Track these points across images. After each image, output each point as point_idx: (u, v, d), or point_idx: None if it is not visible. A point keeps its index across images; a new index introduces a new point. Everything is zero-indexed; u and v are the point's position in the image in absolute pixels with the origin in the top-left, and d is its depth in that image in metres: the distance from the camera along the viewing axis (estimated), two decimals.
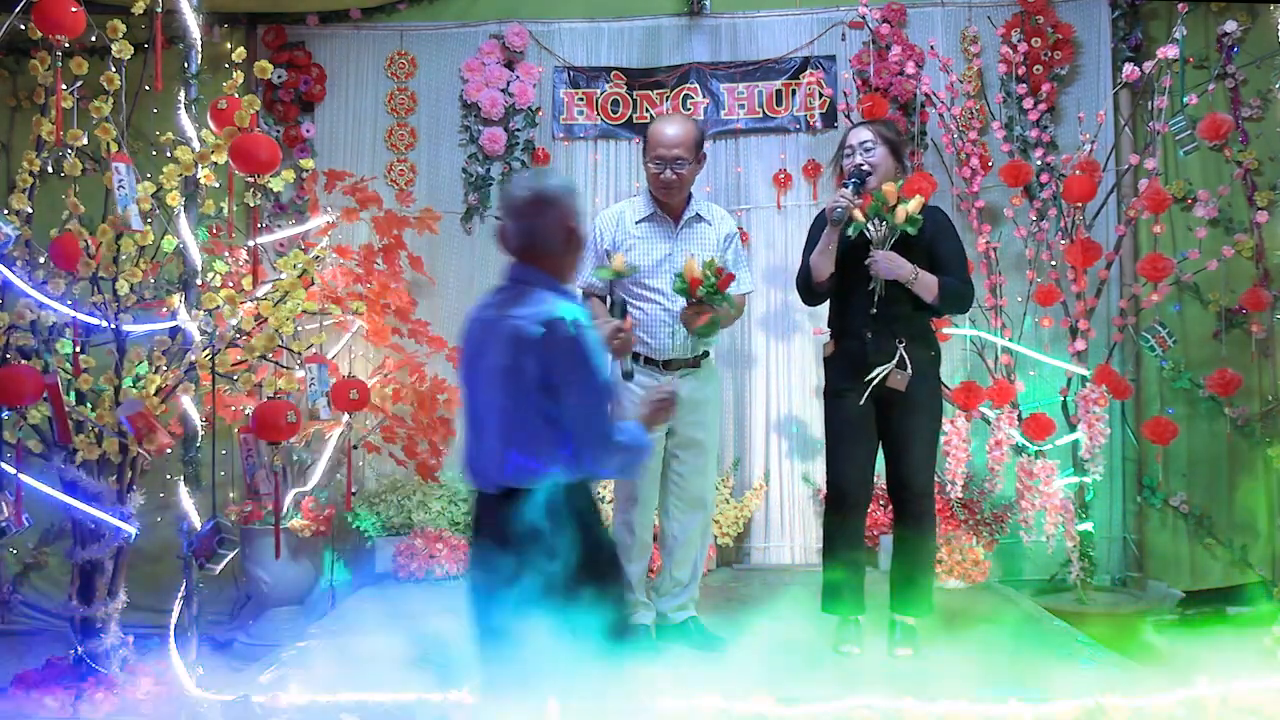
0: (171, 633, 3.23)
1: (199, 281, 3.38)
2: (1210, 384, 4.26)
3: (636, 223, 3.38)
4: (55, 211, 3.26)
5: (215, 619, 4.41)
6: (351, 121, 5.05)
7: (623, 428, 2.01)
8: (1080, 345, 4.33)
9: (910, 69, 4.61)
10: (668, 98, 4.97)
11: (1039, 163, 4.51)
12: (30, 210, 3.27)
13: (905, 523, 3.34)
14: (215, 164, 3.26)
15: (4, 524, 3.01)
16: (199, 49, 3.44)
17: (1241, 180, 4.42)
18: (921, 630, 3.34)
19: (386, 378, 4.56)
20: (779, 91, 4.97)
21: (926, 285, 3.20)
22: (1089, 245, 4.26)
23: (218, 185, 3.38)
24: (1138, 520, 4.65)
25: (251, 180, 3.11)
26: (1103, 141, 4.51)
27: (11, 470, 3.06)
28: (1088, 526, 4.32)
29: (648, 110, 4.96)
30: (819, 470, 4.80)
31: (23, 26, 3.00)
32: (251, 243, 3.36)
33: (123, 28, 3.09)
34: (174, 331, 3.34)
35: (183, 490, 3.32)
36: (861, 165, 3.22)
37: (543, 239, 2.07)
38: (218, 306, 3.31)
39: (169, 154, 3.28)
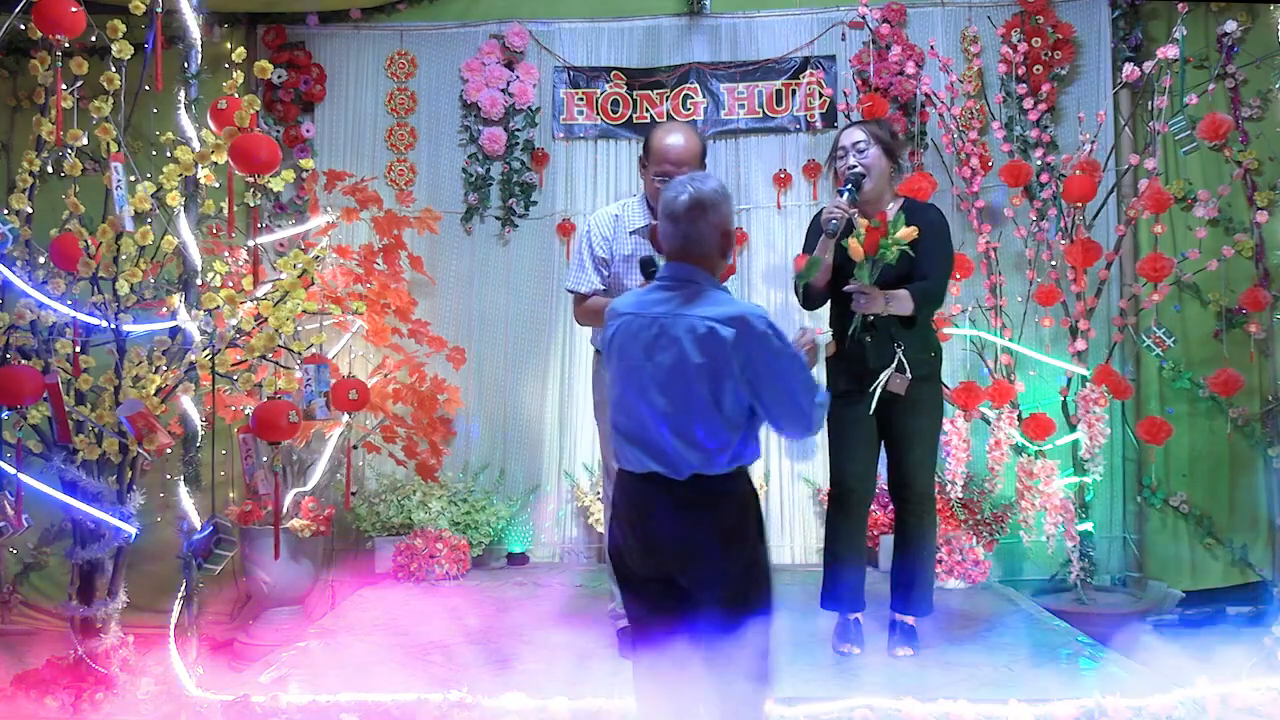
0: (171, 633, 3.23)
1: (199, 281, 3.38)
2: (1211, 384, 4.27)
3: (630, 232, 3.35)
4: (55, 211, 3.26)
5: (215, 619, 4.41)
6: (351, 121, 5.06)
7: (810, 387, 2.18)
8: (1080, 345, 4.33)
9: (910, 69, 4.62)
10: (668, 98, 4.98)
11: (1039, 163, 4.51)
12: (30, 210, 3.27)
13: (906, 522, 3.33)
14: (215, 164, 3.25)
15: (1, 526, 3.01)
16: (199, 49, 3.44)
17: (1241, 180, 4.42)
18: (921, 630, 3.34)
19: (386, 378, 4.56)
20: (779, 91, 4.97)
21: (900, 305, 3.15)
22: (1089, 245, 4.26)
23: (218, 185, 3.38)
24: (1138, 520, 4.65)
25: (251, 180, 3.11)
26: (1103, 141, 4.51)
27: (11, 470, 3.06)
28: (1088, 526, 4.32)
29: (647, 110, 4.96)
30: (819, 470, 4.81)
31: (23, 26, 3.00)
32: (251, 243, 3.36)
33: (123, 28, 3.09)
34: (174, 331, 3.34)
35: (183, 490, 3.31)
36: (855, 168, 3.20)
37: (702, 241, 2.17)
38: (218, 306, 3.30)
39: (169, 154, 3.28)
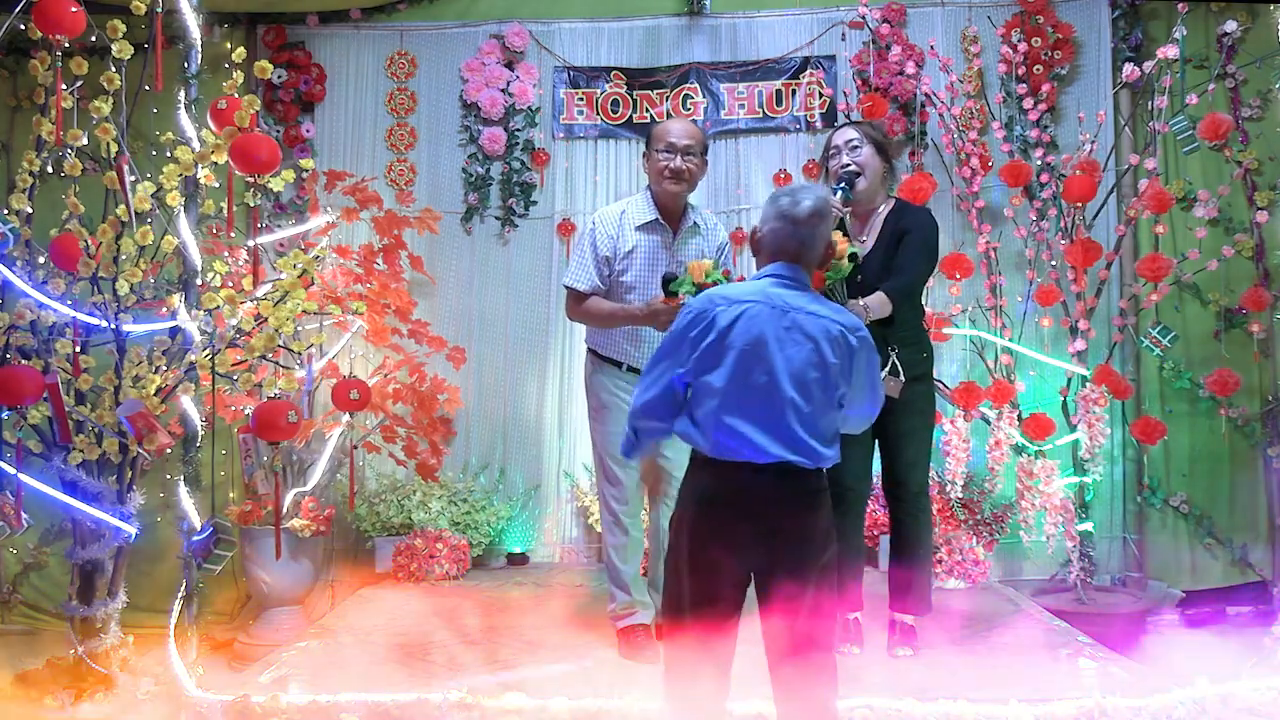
0: (171, 633, 3.23)
1: (199, 281, 3.38)
2: (1210, 384, 4.27)
3: (636, 228, 3.35)
4: (55, 211, 3.26)
5: (215, 619, 4.41)
6: (351, 121, 5.06)
7: None
8: (1080, 345, 4.33)
9: (910, 69, 4.62)
10: (668, 98, 4.98)
11: (1039, 163, 4.51)
12: (30, 210, 3.27)
13: (902, 522, 3.33)
14: (215, 164, 3.26)
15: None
16: (199, 49, 3.44)
17: (1241, 180, 4.42)
18: (921, 630, 3.34)
19: (386, 378, 4.56)
20: (779, 91, 4.97)
21: (880, 309, 3.10)
22: (1089, 245, 4.26)
23: (218, 185, 3.38)
24: (1138, 520, 4.65)
25: (251, 180, 3.11)
26: (1103, 141, 4.51)
27: (11, 470, 3.06)
28: (1088, 526, 4.32)
29: (648, 110, 4.96)
30: None
31: (23, 26, 3.00)
32: (251, 243, 3.36)
33: (123, 28, 3.09)
34: (174, 331, 3.34)
35: (183, 490, 3.32)
36: (849, 166, 3.20)
37: (816, 248, 2.33)
38: (218, 306, 3.31)
39: (169, 154, 3.28)
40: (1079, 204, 4.29)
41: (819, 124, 4.93)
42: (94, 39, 3.08)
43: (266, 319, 3.34)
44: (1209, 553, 4.57)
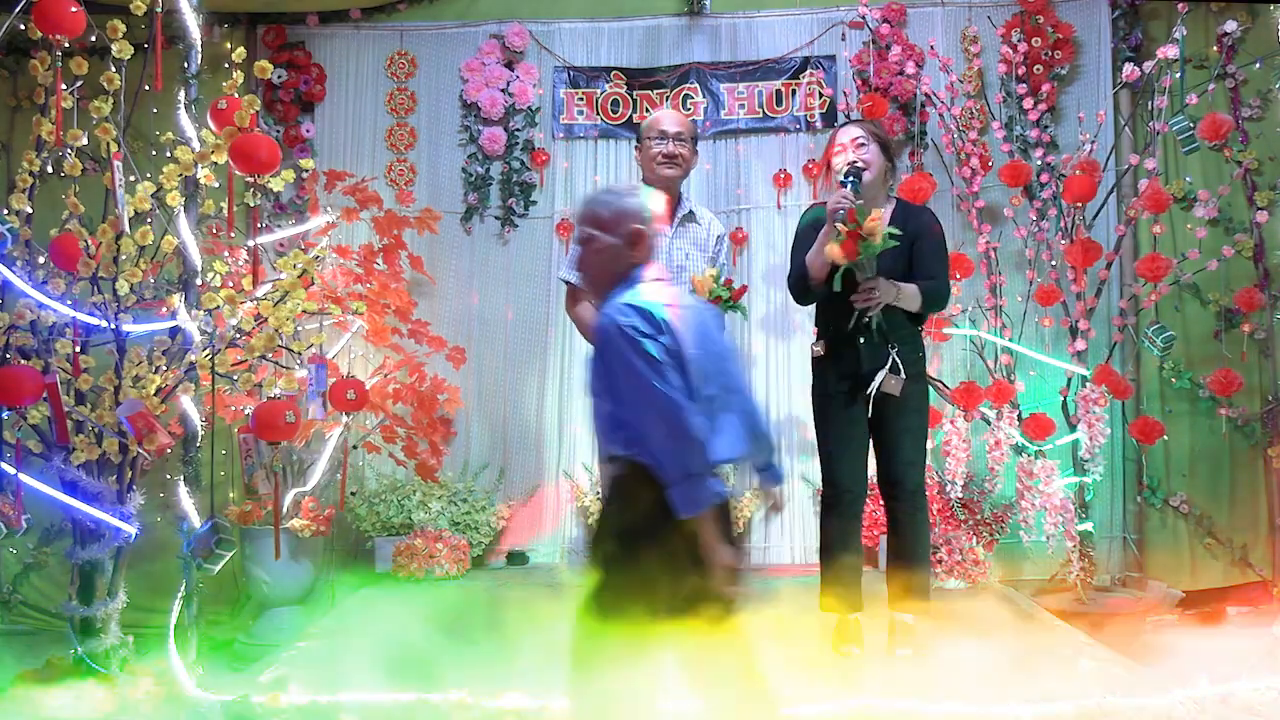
0: (171, 633, 3.23)
1: (199, 281, 3.38)
2: (1211, 384, 4.27)
3: None
4: (55, 211, 3.25)
5: (215, 619, 4.41)
6: (351, 121, 5.06)
7: None
8: (1080, 345, 4.33)
9: (910, 69, 4.62)
10: (668, 98, 4.98)
11: (1039, 163, 4.51)
12: (30, 210, 3.26)
13: (900, 521, 3.33)
14: (215, 164, 3.25)
15: None
16: (199, 49, 3.44)
17: (1241, 180, 4.42)
18: (921, 630, 3.34)
19: (386, 378, 4.56)
20: (779, 91, 4.97)
21: (909, 298, 3.15)
22: (1089, 245, 4.26)
23: (218, 185, 3.37)
24: (1138, 520, 4.65)
25: (251, 180, 3.11)
26: (1103, 141, 4.51)
27: (11, 470, 3.06)
28: (1088, 526, 4.32)
29: (647, 110, 4.96)
30: (818, 470, 4.80)
31: (23, 26, 3.00)
32: (251, 243, 3.36)
33: (123, 28, 3.09)
34: (174, 331, 3.34)
35: (183, 490, 3.31)
36: (855, 162, 3.20)
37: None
38: (218, 306, 3.30)
39: (169, 154, 3.28)
40: (1079, 204, 4.29)
41: (819, 124, 4.93)
42: (94, 39, 3.08)
43: (266, 319, 3.34)
44: (1209, 553, 4.57)
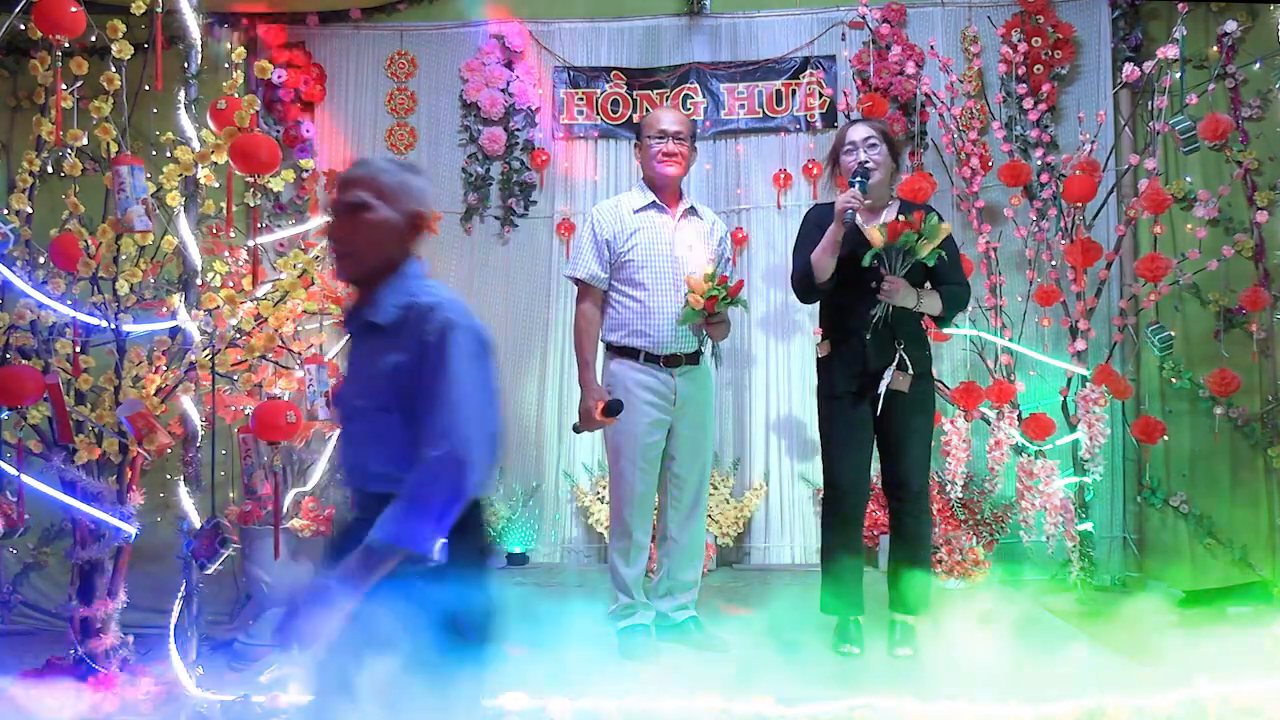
0: (171, 633, 3.23)
1: (199, 281, 3.38)
2: (1210, 384, 4.27)
3: (634, 212, 3.37)
4: (55, 211, 3.26)
5: (215, 619, 4.41)
6: (351, 121, 5.06)
7: None
8: (1080, 345, 4.33)
9: (910, 69, 4.62)
10: (668, 98, 4.98)
11: (1039, 163, 4.51)
12: (30, 210, 3.26)
13: (903, 522, 3.33)
14: (215, 164, 3.25)
15: None
16: (199, 49, 3.44)
17: (1241, 180, 4.42)
18: (921, 630, 3.34)
19: None
20: (779, 91, 4.97)
21: (932, 304, 3.19)
22: (1089, 245, 4.26)
23: (218, 185, 3.38)
24: (1138, 520, 4.65)
25: (251, 180, 3.11)
26: (1103, 141, 4.51)
27: (12, 470, 3.06)
28: (1088, 526, 4.32)
29: (647, 110, 4.96)
30: (818, 470, 4.80)
31: (23, 26, 3.00)
32: (251, 243, 3.36)
33: (123, 28, 3.09)
34: (174, 331, 3.34)
35: (183, 490, 3.31)
36: (866, 162, 3.20)
37: None
38: (218, 306, 3.31)
39: (169, 154, 3.28)
40: (1079, 204, 4.29)
41: (819, 124, 4.93)
42: (94, 39, 3.08)
43: (266, 319, 3.34)
44: (1209, 553, 4.57)
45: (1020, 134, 4.68)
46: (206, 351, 3.29)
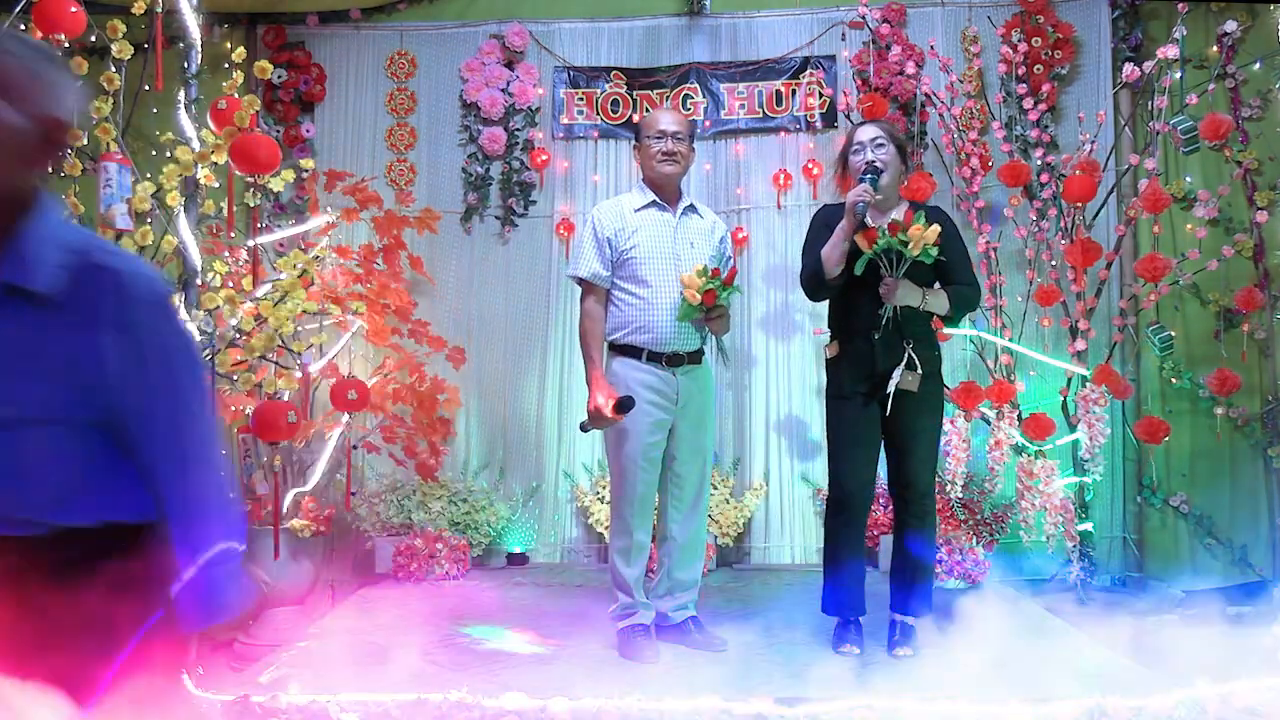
0: None
1: (199, 281, 3.38)
2: (1209, 384, 4.27)
3: (635, 211, 3.37)
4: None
5: None
6: (351, 121, 5.06)
7: None
8: (1080, 345, 4.33)
9: (910, 69, 4.62)
10: (668, 98, 4.98)
11: (1039, 162, 4.51)
12: None
13: (907, 522, 3.32)
14: (215, 164, 3.26)
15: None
16: (199, 49, 3.44)
17: (1241, 180, 4.42)
18: (921, 630, 3.34)
19: (386, 378, 4.56)
20: (779, 91, 4.97)
21: (939, 304, 3.18)
22: (1089, 245, 4.26)
23: (218, 185, 3.38)
24: (1138, 520, 4.65)
25: (251, 180, 3.11)
26: (1103, 141, 4.51)
27: None
28: (1088, 526, 4.32)
29: (647, 110, 4.96)
30: (818, 470, 4.81)
31: (23, 26, 3.00)
32: (251, 243, 3.36)
33: (123, 28, 3.09)
34: None
35: None
36: (874, 162, 3.21)
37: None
38: (218, 306, 3.31)
39: (169, 154, 3.28)
40: (1079, 204, 4.29)
41: (819, 124, 4.94)
42: (94, 39, 3.08)
43: (266, 319, 3.34)
44: (1209, 553, 4.57)
45: (1020, 134, 4.68)
46: (206, 351, 3.29)
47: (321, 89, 4.99)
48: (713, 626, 3.48)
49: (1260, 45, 4.52)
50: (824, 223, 3.28)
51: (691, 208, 3.45)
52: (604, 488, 4.78)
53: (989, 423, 4.35)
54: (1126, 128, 4.62)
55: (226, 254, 3.90)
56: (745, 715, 2.68)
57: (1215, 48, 4.47)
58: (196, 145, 3.28)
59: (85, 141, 3.16)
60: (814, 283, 3.26)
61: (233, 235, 3.74)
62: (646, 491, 3.34)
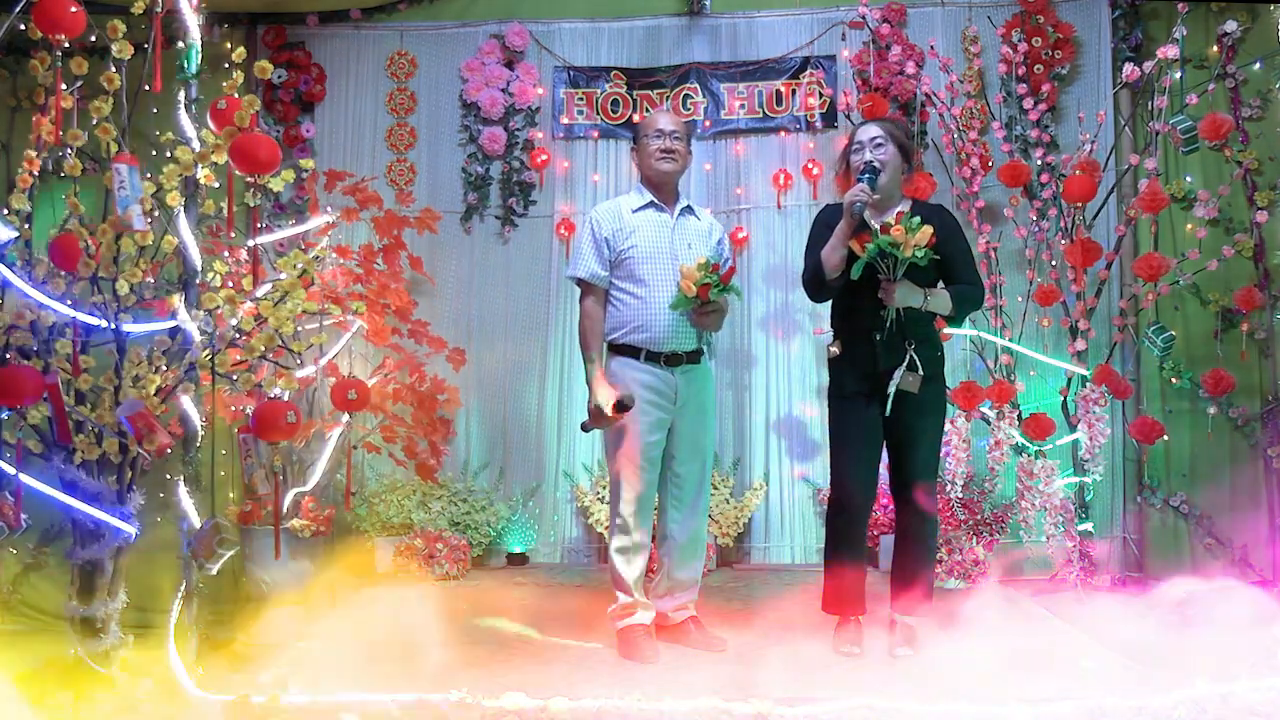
0: (171, 633, 3.23)
1: (199, 281, 3.38)
2: (1204, 383, 4.27)
3: (633, 211, 3.38)
4: (55, 211, 3.25)
5: (215, 619, 4.41)
6: (351, 121, 5.06)
7: None
8: (1080, 345, 4.33)
9: (910, 69, 4.62)
10: (668, 98, 4.98)
11: (1039, 163, 4.51)
12: (30, 210, 3.26)
13: (909, 522, 3.32)
14: (215, 164, 3.25)
15: None
16: (199, 49, 3.43)
17: (1241, 180, 4.42)
18: (921, 630, 3.34)
19: (386, 378, 4.56)
20: (779, 91, 4.97)
21: (941, 303, 3.18)
22: (1089, 245, 4.26)
23: (218, 185, 3.37)
24: (1138, 520, 4.65)
25: (251, 180, 3.11)
26: (1103, 141, 4.51)
27: (11, 470, 3.06)
28: (1088, 526, 4.32)
29: (647, 110, 4.96)
30: (819, 470, 4.81)
31: (23, 26, 3.00)
32: (251, 243, 3.36)
33: (123, 28, 3.09)
34: (174, 331, 3.33)
35: (182, 490, 3.31)
36: (873, 162, 3.21)
37: None
38: (218, 306, 3.30)
39: (169, 154, 3.28)
40: (1079, 204, 4.29)
41: (819, 124, 4.94)
42: (94, 39, 3.08)
43: (266, 319, 3.34)
44: (1209, 553, 4.57)
45: (1020, 134, 4.68)
46: (206, 352, 3.29)
47: (321, 89, 5.00)
48: (713, 626, 3.48)
49: (1260, 45, 4.52)
50: (826, 223, 3.28)
51: (689, 209, 3.45)
52: (604, 488, 4.78)
53: (989, 423, 4.36)
54: (1126, 128, 4.62)
55: (226, 254, 3.90)
56: (745, 715, 2.68)
57: (1215, 48, 4.48)
58: (196, 145, 3.28)
59: (85, 141, 3.16)
60: (815, 284, 3.27)
61: (233, 235, 3.74)
62: (646, 491, 3.34)
